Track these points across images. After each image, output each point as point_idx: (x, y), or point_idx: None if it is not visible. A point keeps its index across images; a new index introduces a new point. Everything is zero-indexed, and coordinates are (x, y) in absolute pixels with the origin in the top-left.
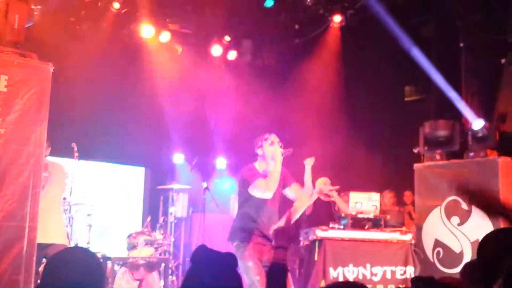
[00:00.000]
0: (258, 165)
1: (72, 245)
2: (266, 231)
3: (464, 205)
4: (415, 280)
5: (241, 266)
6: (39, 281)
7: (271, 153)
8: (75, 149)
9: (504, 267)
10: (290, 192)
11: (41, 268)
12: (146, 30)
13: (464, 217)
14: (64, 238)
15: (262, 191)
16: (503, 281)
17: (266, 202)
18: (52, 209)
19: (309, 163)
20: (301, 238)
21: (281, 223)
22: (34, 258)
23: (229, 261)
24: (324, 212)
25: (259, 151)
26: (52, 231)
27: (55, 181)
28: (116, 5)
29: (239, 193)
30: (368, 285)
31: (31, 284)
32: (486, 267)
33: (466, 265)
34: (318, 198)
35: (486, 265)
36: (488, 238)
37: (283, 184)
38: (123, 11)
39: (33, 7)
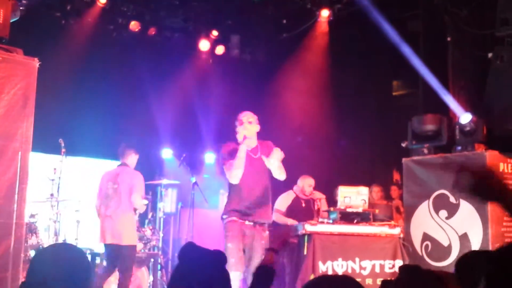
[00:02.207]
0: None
1: (60, 241)
2: (246, 209)
3: (452, 199)
4: (402, 269)
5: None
6: (23, 278)
7: (240, 136)
8: (62, 144)
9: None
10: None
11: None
12: (133, 25)
13: (452, 211)
14: (135, 240)
15: (228, 176)
16: (486, 281)
17: (243, 179)
18: (130, 213)
19: (276, 155)
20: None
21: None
22: (22, 255)
23: (217, 258)
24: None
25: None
26: (126, 233)
27: (138, 188)
28: (102, 0)
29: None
30: (357, 279)
31: (19, 281)
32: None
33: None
34: (297, 196)
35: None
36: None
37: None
38: (109, 5)
39: (18, 2)
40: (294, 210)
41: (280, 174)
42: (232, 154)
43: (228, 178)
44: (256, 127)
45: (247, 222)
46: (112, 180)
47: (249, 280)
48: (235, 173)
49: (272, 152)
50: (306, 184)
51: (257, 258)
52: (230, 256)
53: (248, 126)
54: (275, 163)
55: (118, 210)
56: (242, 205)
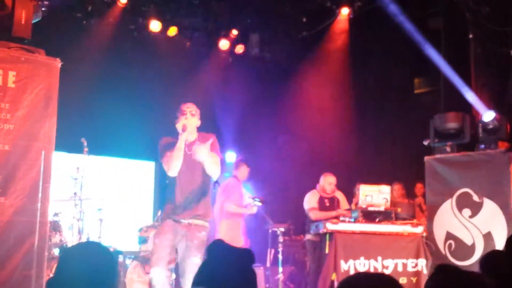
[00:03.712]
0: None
1: (84, 239)
2: (182, 207)
3: (475, 197)
4: (438, 268)
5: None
6: (51, 274)
7: (180, 126)
8: (85, 144)
9: None
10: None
11: None
12: (153, 25)
13: (476, 209)
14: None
15: (166, 169)
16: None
17: (179, 175)
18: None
19: (200, 150)
20: (311, 232)
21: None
22: (46, 253)
23: (245, 256)
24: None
25: (176, 124)
26: (230, 236)
27: (234, 197)
28: (123, 0)
29: None
30: None
31: (43, 279)
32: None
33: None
34: (321, 196)
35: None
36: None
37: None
38: (129, 5)
39: (39, 2)
40: (320, 210)
41: (211, 170)
42: (171, 146)
43: (167, 171)
44: (197, 122)
45: (182, 221)
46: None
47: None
48: (174, 165)
49: (200, 146)
50: (326, 182)
51: (190, 260)
52: (154, 251)
53: (189, 117)
54: (203, 159)
55: None
56: (176, 204)
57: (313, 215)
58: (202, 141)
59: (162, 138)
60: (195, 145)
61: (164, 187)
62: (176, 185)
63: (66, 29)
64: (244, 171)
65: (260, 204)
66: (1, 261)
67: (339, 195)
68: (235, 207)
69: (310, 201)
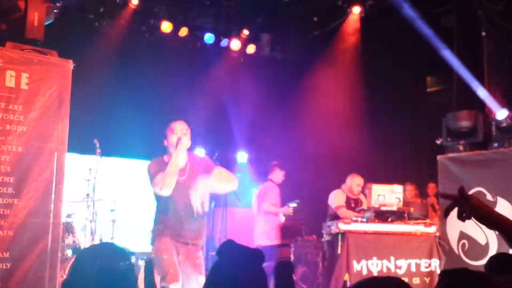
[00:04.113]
0: (167, 158)
1: (96, 240)
2: (178, 229)
3: (489, 196)
4: (444, 272)
5: (155, 259)
6: (64, 276)
7: (173, 142)
8: (97, 145)
9: None
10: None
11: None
12: (165, 26)
13: None
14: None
15: (159, 188)
16: None
17: (173, 199)
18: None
19: (200, 185)
20: (323, 232)
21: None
22: (59, 254)
23: (256, 256)
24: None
25: (165, 142)
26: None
27: (270, 198)
28: (135, 1)
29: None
30: None
31: (56, 281)
32: None
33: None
34: (347, 196)
35: None
36: None
37: (206, 173)
38: (141, 7)
39: (52, 4)
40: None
41: (226, 188)
42: (162, 167)
43: (159, 190)
44: (188, 142)
45: (179, 240)
46: None
47: None
48: (168, 181)
49: (198, 181)
50: (354, 183)
51: (197, 279)
52: (167, 267)
53: (183, 137)
54: (213, 187)
55: None
56: (172, 225)
57: (341, 213)
58: (194, 165)
59: (151, 162)
60: (199, 180)
61: None
62: (169, 208)
63: (79, 30)
64: (278, 174)
65: (295, 205)
66: (15, 262)
67: (362, 198)
68: (272, 207)
69: (338, 199)
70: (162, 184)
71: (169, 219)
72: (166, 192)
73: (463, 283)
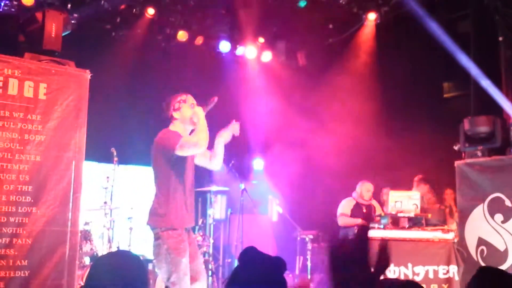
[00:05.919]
0: (174, 129)
1: (114, 248)
2: (184, 215)
3: (508, 202)
4: (481, 271)
5: (166, 256)
6: (81, 283)
7: (191, 115)
8: (115, 153)
9: None
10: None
11: None
12: (181, 35)
13: (508, 214)
14: None
15: (194, 144)
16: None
17: (184, 176)
18: None
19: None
20: (339, 237)
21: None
22: (77, 262)
23: (277, 264)
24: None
25: (176, 115)
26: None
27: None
28: (151, 11)
29: (159, 168)
30: None
31: None
32: None
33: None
34: (357, 202)
35: None
36: None
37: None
38: (157, 16)
39: (69, 15)
40: (356, 216)
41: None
42: (176, 134)
43: (188, 150)
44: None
45: (185, 229)
46: None
47: None
48: (202, 136)
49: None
50: (364, 189)
51: (200, 261)
52: (184, 273)
53: (199, 108)
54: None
55: None
56: (182, 209)
57: (340, 220)
58: None
59: (160, 133)
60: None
61: None
62: (183, 188)
63: (95, 40)
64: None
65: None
66: (33, 270)
67: (374, 203)
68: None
69: (343, 207)
70: (197, 139)
71: (177, 201)
72: (203, 146)
73: (500, 281)
